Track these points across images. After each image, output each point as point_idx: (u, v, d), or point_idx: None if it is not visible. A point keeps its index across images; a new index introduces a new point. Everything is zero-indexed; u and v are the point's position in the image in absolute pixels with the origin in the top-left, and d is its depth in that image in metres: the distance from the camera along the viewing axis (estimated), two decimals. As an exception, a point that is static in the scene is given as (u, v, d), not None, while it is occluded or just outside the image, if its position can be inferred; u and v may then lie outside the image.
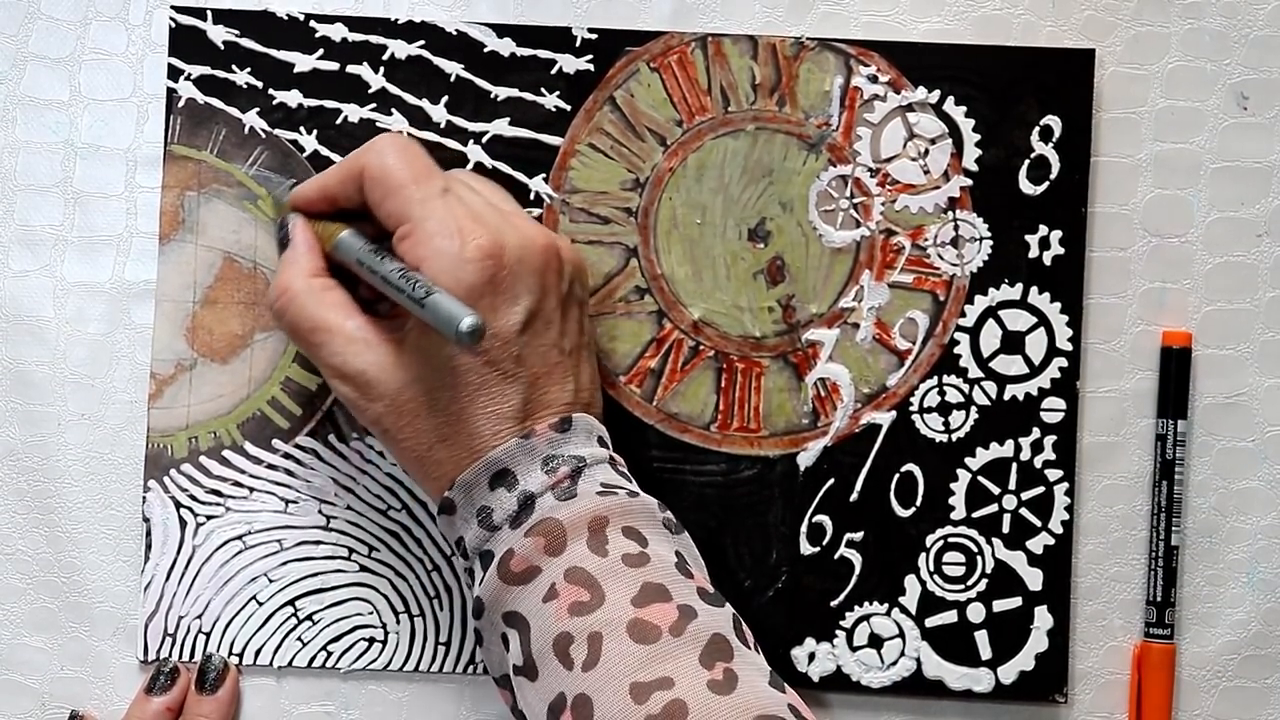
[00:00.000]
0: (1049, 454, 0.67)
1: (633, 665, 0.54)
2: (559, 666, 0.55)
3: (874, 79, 0.67)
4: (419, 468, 0.60)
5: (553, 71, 0.67)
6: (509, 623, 0.57)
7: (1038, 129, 0.67)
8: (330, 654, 0.67)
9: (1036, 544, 0.66)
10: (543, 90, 0.67)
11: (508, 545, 0.57)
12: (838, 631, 0.66)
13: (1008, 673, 0.66)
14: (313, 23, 0.67)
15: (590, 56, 0.67)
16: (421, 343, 0.59)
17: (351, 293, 0.62)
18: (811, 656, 0.66)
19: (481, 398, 0.58)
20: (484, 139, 0.67)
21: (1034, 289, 0.67)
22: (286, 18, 0.67)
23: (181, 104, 0.67)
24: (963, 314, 0.67)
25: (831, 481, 0.67)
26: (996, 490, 0.67)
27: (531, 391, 0.59)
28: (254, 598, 0.67)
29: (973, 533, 0.66)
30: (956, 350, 0.67)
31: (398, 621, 0.67)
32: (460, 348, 0.57)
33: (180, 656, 0.66)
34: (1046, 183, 0.67)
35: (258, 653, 0.66)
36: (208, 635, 0.66)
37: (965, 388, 0.67)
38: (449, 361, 0.58)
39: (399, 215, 0.60)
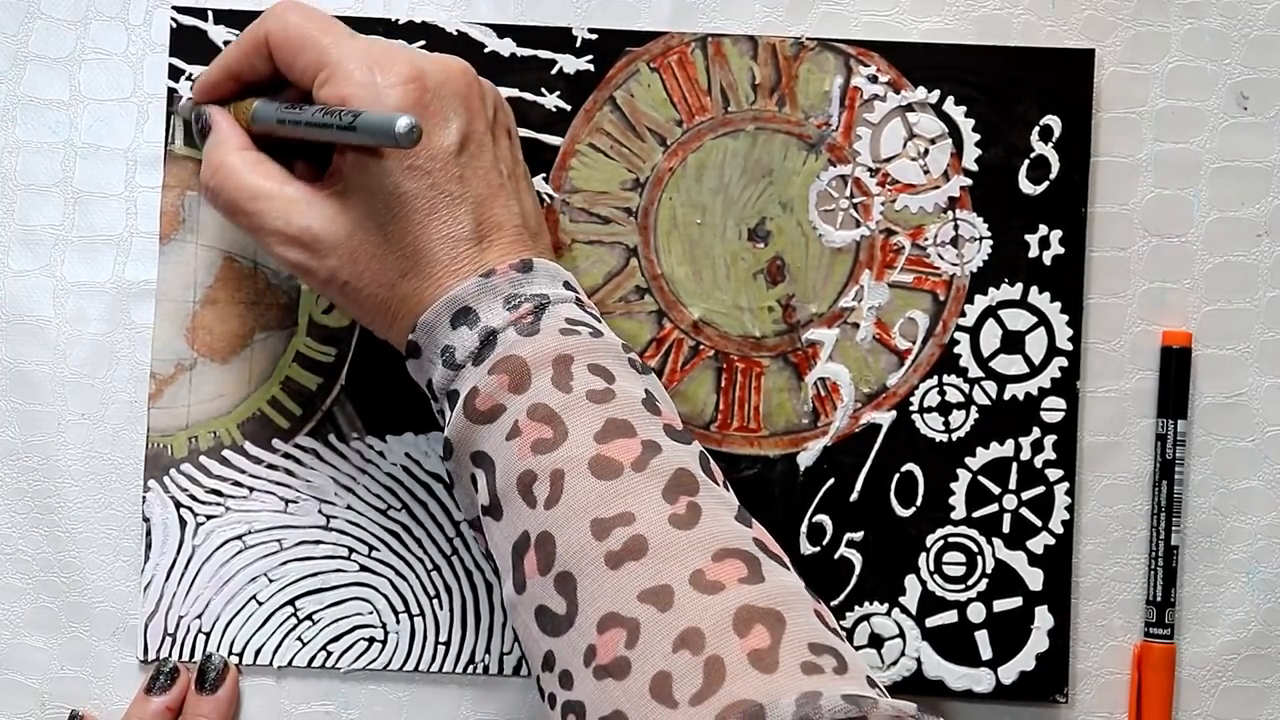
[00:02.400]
0: (1049, 454, 0.66)
1: (594, 501, 0.54)
2: (522, 505, 0.55)
3: (874, 79, 0.67)
4: (385, 313, 0.59)
5: (553, 71, 0.67)
6: (476, 462, 0.57)
7: (1037, 129, 0.67)
8: (330, 654, 0.67)
9: (1037, 544, 0.66)
10: (543, 90, 0.67)
11: (472, 383, 0.57)
12: (838, 631, 0.66)
13: (1008, 673, 0.66)
14: (313, 23, 0.67)
15: (590, 57, 0.67)
16: (362, 181, 0.58)
17: None
18: (811, 656, 0.66)
19: (434, 222, 0.58)
20: (484, 139, 0.67)
21: (1034, 289, 0.67)
22: (287, 18, 0.67)
23: (182, 104, 0.67)
24: (963, 314, 0.67)
25: (831, 481, 0.67)
26: (997, 490, 0.67)
27: (480, 212, 0.59)
28: (254, 597, 0.66)
29: (973, 533, 0.66)
30: (956, 350, 0.67)
31: (398, 621, 0.67)
32: (401, 154, 0.57)
33: (180, 656, 0.66)
34: (1046, 182, 0.67)
35: (258, 652, 0.66)
36: (208, 635, 0.66)
37: (965, 387, 0.67)
38: (394, 192, 0.58)
39: (315, 65, 0.59)
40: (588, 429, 0.55)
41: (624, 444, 0.55)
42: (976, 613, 0.66)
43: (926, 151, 0.67)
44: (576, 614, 0.53)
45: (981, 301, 0.67)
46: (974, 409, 0.67)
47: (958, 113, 0.67)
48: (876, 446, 0.67)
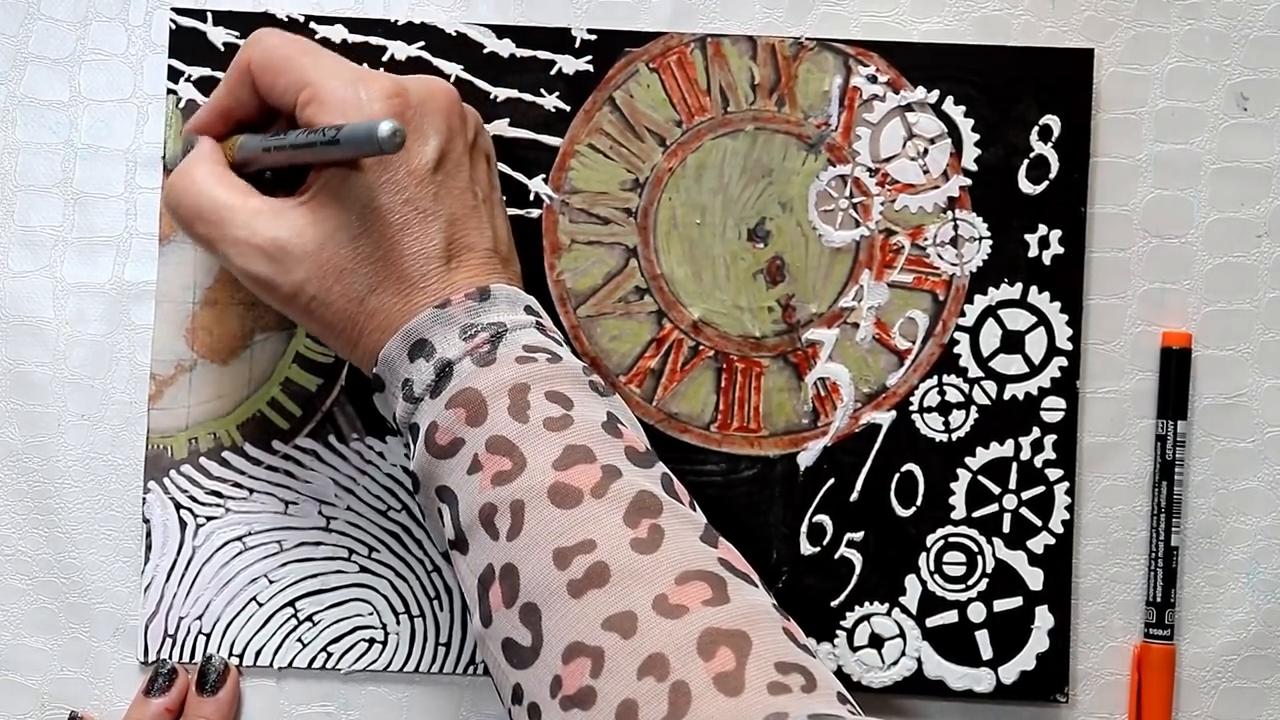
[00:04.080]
0: (1049, 453, 0.66)
1: (554, 530, 0.53)
2: (485, 538, 0.55)
3: (873, 79, 0.67)
4: (351, 330, 0.59)
5: (552, 72, 0.67)
6: (441, 497, 0.57)
7: (1037, 129, 0.67)
8: (330, 655, 0.66)
9: (1037, 543, 0.66)
10: (542, 91, 0.67)
11: (431, 417, 0.57)
12: (838, 631, 0.66)
13: (1009, 673, 0.66)
14: (313, 24, 0.67)
15: (590, 57, 0.67)
16: (335, 193, 0.58)
17: None
18: (812, 657, 0.66)
19: (405, 238, 0.58)
20: (484, 139, 0.67)
21: (1034, 288, 0.67)
22: (286, 19, 0.67)
23: (182, 105, 0.67)
24: (962, 313, 0.67)
25: (831, 481, 0.67)
26: (997, 490, 0.67)
27: (452, 231, 0.58)
28: (254, 599, 0.66)
29: (973, 532, 0.66)
30: (956, 350, 0.67)
31: (398, 622, 0.67)
32: (378, 168, 0.57)
33: (180, 658, 0.66)
34: (1046, 182, 0.67)
35: (258, 654, 0.66)
36: (208, 636, 0.66)
37: (965, 387, 0.67)
38: (368, 204, 0.57)
39: (296, 85, 0.59)
40: (546, 457, 0.55)
41: (583, 470, 0.55)
42: (977, 612, 0.66)
43: (926, 151, 0.67)
44: (542, 646, 0.53)
45: (981, 301, 0.67)
46: (974, 409, 0.67)
47: (957, 112, 0.67)
48: (876, 446, 0.67)
